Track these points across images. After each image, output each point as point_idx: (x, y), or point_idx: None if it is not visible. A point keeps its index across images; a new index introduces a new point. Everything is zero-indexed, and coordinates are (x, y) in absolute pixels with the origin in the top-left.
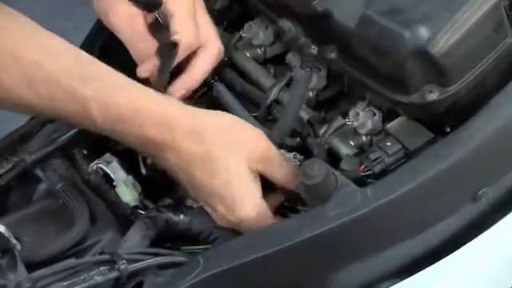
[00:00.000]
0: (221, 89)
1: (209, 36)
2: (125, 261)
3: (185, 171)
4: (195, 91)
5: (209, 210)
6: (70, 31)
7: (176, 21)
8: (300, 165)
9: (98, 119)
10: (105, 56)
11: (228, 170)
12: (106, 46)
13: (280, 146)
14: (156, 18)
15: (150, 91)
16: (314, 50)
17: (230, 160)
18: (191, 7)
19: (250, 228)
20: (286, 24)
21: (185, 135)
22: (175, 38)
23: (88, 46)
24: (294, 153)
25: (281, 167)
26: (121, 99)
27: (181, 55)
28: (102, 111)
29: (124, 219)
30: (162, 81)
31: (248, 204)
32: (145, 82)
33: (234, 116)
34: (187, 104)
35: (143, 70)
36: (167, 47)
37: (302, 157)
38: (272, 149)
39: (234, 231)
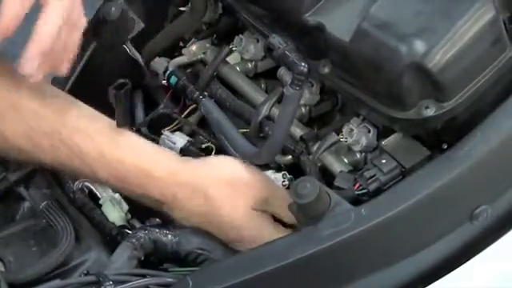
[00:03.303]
0: (208, 105)
1: None
2: (111, 282)
3: (195, 225)
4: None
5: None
6: None
7: None
8: (289, 184)
9: (104, 177)
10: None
11: (235, 221)
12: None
13: (267, 165)
14: None
15: (151, 147)
16: (304, 67)
17: (237, 212)
18: None
19: None
20: (275, 40)
21: (188, 197)
22: None
23: None
24: (283, 172)
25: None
26: (126, 160)
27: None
28: (109, 171)
29: (110, 239)
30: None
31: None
32: None
33: (236, 161)
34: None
35: None
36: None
37: (291, 176)
38: (277, 192)
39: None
